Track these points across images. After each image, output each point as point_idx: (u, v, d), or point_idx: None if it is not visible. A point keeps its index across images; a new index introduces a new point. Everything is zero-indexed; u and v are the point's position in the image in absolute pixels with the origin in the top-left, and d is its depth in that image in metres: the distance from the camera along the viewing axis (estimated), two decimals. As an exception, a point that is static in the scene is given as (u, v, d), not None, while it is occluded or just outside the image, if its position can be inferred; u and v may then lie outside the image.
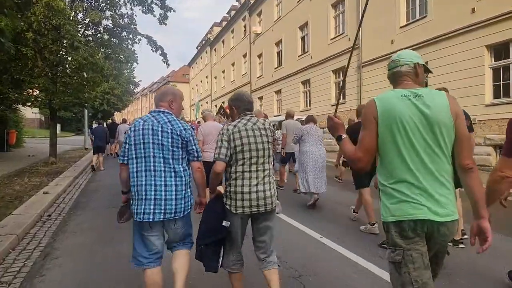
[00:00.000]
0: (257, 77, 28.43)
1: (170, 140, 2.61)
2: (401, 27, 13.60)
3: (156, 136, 2.60)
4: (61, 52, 11.52)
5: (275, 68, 25.03)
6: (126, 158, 2.65)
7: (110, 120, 17.91)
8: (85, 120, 20.45)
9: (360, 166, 1.85)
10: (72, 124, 50.62)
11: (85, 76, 12.71)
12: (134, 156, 2.61)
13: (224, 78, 38.11)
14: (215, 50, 41.40)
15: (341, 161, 7.25)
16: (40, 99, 12.52)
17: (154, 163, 2.58)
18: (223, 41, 38.17)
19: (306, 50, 20.98)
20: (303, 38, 21.53)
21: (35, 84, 11.48)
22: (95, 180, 10.05)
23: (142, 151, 2.59)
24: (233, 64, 34.85)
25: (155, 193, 2.56)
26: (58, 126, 43.40)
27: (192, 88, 53.74)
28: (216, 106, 38.01)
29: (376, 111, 1.79)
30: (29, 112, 35.83)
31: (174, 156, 2.62)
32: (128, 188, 2.71)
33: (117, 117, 52.84)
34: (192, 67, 54.43)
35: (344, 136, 2.00)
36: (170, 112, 2.73)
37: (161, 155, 2.59)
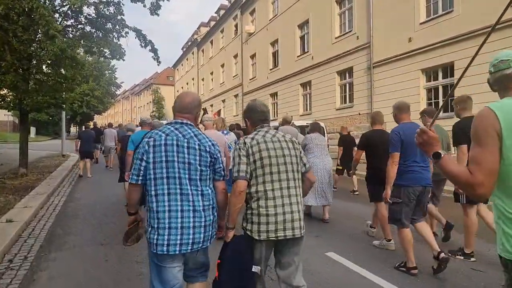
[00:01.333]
0: (250, 79, 26.91)
1: (198, 157, 2.23)
2: (421, 23, 12.34)
3: (181, 154, 2.21)
4: (34, 44, 9.66)
5: (270, 70, 23.58)
6: (141, 178, 2.20)
7: (90, 123, 15.90)
8: (63, 124, 18.40)
9: (481, 192, 1.44)
10: (48, 127, 47.70)
11: (63, 72, 10.87)
12: (153, 177, 2.18)
13: (212, 80, 36.42)
14: (202, 51, 39.70)
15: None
16: (8, 99, 10.57)
17: (180, 185, 2.19)
18: (211, 42, 36.52)
19: (306, 50, 19.61)
20: (302, 38, 20.16)
21: (2, 81, 9.57)
22: (74, 197, 8.25)
23: (164, 170, 2.18)
24: (222, 66, 33.23)
25: (181, 221, 2.17)
26: (33, 130, 40.66)
27: (177, 91, 51.63)
28: (203, 110, 36.28)
29: (499, 124, 1.43)
30: (1, 115, 33.25)
31: (202, 177, 2.25)
32: (137, 210, 2.41)
33: (98, 120, 50.33)
34: (177, 69, 52.49)
35: (443, 153, 1.56)
36: (193, 124, 2.34)
37: (187, 175, 2.20)
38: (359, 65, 15.26)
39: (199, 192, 2.23)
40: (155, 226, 2.17)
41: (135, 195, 2.29)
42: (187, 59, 46.80)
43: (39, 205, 6.87)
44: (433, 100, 12.17)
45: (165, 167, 2.18)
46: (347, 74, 16.47)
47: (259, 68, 25.33)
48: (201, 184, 2.25)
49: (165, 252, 2.15)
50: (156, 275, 2.26)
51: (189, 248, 2.18)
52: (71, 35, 11.35)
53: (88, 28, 11.68)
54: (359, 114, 15.24)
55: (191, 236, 2.18)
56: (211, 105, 35.19)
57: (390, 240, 4.59)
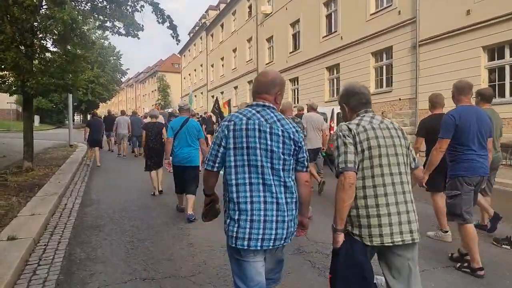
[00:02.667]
0: (266, 64, 25.22)
1: (281, 145, 2.00)
2: (483, -7, 10.65)
3: (263, 140, 1.99)
4: (40, 12, 8.11)
5: (290, 53, 21.89)
6: (217, 165, 2.05)
7: (96, 112, 14.49)
8: (70, 111, 16.93)
9: None
10: (52, 116, 46.21)
11: (71, 50, 9.35)
12: (233, 164, 1.99)
13: (223, 65, 34.72)
14: (211, 35, 37.88)
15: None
16: (9, 81, 9.06)
17: (263, 174, 1.97)
18: (221, 25, 34.69)
19: (333, 30, 17.90)
20: (329, 16, 18.43)
21: (2, 60, 8.06)
22: (91, 198, 6.80)
23: (245, 158, 1.98)
24: (234, 50, 31.49)
25: (264, 214, 1.96)
26: (37, 118, 39.30)
27: (184, 78, 50.12)
28: (212, 97, 34.84)
29: None
30: (4, 103, 31.81)
31: (285, 167, 2.01)
32: (213, 191, 2.27)
33: (103, 108, 48.84)
34: (184, 55, 50.70)
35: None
36: (275, 108, 2.10)
37: (269, 164, 1.98)
38: (400, 44, 13.59)
39: (282, 184, 2.01)
40: (235, 217, 1.99)
41: (211, 182, 2.20)
42: (194, 45, 44.96)
43: (50, 212, 5.43)
44: (496, 82, 10.56)
45: (246, 154, 1.99)
46: (384, 55, 14.80)
47: (277, 51, 23.62)
48: (284, 174, 2.02)
49: (246, 247, 1.96)
50: (238, 272, 2.06)
51: (271, 244, 1.98)
52: (81, 7, 9.77)
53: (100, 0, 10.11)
54: (400, 99, 13.65)
55: (273, 232, 1.97)
56: (222, 92, 33.61)
57: (447, 231, 4.35)
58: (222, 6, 35.36)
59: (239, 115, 2.05)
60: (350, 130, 2.06)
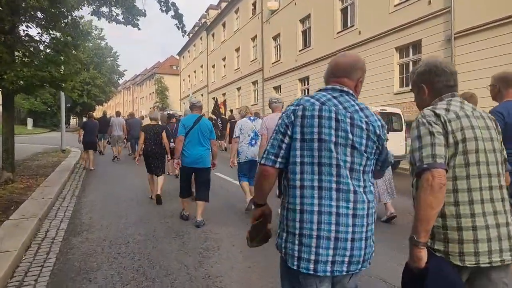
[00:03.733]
0: (272, 63, 23.83)
1: (364, 141, 1.59)
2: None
3: (343, 133, 1.56)
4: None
5: (300, 51, 20.49)
6: (280, 160, 1.61)
7: (92, 113, 13.22)
8: (62, 113, 15.39)
9: None
10: (46, 119, 44.50)
11: (61, 38, 7.89)
12: (298, 160, 1.57)
13: (225, 66, 33.31)
14: (212, 35, 36.49)
15: None
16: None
17: (338, 177, 1.54)
18: (223, 24, 33.31)
19: (350, 24, 16.53)
20: (344, 10, 17.06)
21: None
22: (82, 223, 5.29)
23: (316, 153, 1.55)
24: (237, 50, 30.10)
25: (336, 229, 1.51)
26: (30, 122, 37.71)
27: (183, 80, 48.64)
28: (213, 98, 33.44)
29: None
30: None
31: (366, 168, 1.60)
32: (265, 200, 1.77)
33: (99, 111, 47.23)
34: (183, 57, 49.30)
35: None
36: (355, 95, 1.68)
37: (348, 164, 1.55)
38: (430, 38, 12.22)
39: (362, 190, 1.57)
40: (296, 232, 1.54)
41: (269, 184, 1.66)
42: (194, 45, 43.55)
43: (23, 245, 3.95)
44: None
45: (317, 148, 1.55)
46: (411, 50, 13.42)
47: (285, 50, 22.22)
48: (365, 178, 1.59)
49: (311, 272, 1.51)
50: None
51: (344, 269, 1.52)
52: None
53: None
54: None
55: (347, 253, 1.52)
56: (224, 94, 32.17)
57: None
58: (224, 4, 33.97)
59: (310, 99, 1.64)
60: (438, 116, 1.60)
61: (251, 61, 27.22)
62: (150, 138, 6.60)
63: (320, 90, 1.72)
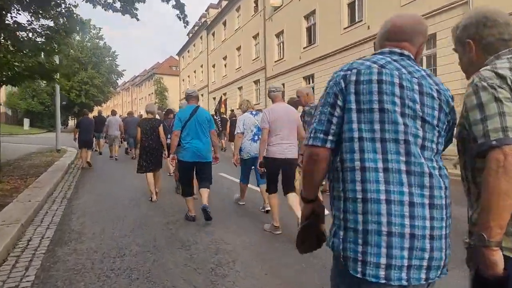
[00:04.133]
0: (275, 61, 23.17)
1: (437, 112, 1.28)
2: None
3: (410, 101, 1.25)
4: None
5: (304, 48, 19.85)
6: (331, 138, 1.28)
7: (83, 112, 12.63)
8: (57, 110, 14.71)
9: None
10: (43, 119, 43.72)
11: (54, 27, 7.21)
12: (356, 136, 1.24)
13: (225, 65, 32.66)
14: (213, 34, 35.83)
15: None
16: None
17: (408, 156, 1.21)
18: (224, 23, 32.66)
19: (357, 19, 15.88)
20: (351, 4, 16.41)
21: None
22: (70, 227, 4.60)
23: (377, 127, 1.22)
24: (238, 48, 29.44)
25: (411, 223, 1.17)
26: (27, 122, 37.05)
27: (183, 80, 47.99)
28: (214, 99, 32.81)
29: None
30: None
31: (438, 146, 1.29)
32: (317, 194, 1.41)
33: (96, 112, 46.51)
34: (183, 57, 48.65)
35: None
36: (416, 61, 1.37)
37: (419, 140, 1.24)
38: (446, 31, 11.56)
39: (437, 172, 1.24)
40: (359, 227, 1.18)
41: (319, 171, 1.31)
42: (194, 45, 42.91)
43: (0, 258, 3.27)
44: None
45: (379, 120, 1.22)
46: (424, 44, 12.75)
47: (288, 47, 21.56)
48: (437, 158, 1.28)
49: (382, 280, 1.14)
50: None
51: (423, 276, 1.17)
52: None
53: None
54: (446, 95, 11.60)
55: (426, 255, 1.17)
56: (224, 94, 31.47)
57: None
58: (224, 3, 33.32)
59: (364, 62, 1.30)
60: (502, 77, 1.22)
61: (253, 60, 26.57)
62: (146, 133, 6.28)
63: (375, 53, 1.37)
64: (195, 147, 4.75)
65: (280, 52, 23.00)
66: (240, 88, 29.18)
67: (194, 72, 42.29)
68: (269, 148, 4.17)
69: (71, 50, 39.93)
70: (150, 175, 6.21)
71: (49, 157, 12.15)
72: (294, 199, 4.19)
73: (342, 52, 16.54)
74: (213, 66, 35.78)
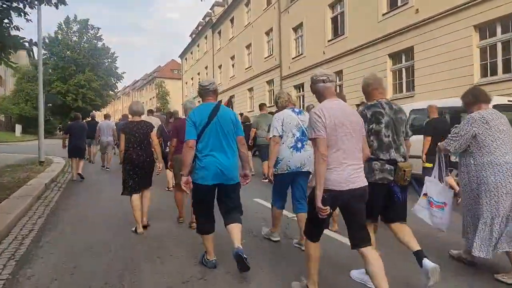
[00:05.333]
0: (293, 58, 20.66)
1: None
2: None
3: None
4: None
5: (329, 41, 17.33)
6: None
7: (75, 116, 10.31)
8: (40, 114, 12.14)
9: None
10: (38, 125, 41.34)
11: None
12: None
13: (233, 65, 30.19)
14: (219, 33, 33.41)
15: None
16: None
17: None
18: (231, 20, 30.24)
19: (400, 3, 13.33)
20: (391, -13, 13.91)
21: None
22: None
23: None
24: (248, 46, 26.98)
25: None
26: (18, 128, 34.48)
27: (186, 83, 45.51)
28: (220, 101, 30.13)
29: None
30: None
31: None
32: None
33: (97, 117, 44.05)
34: (185, 59, 46.24)
35: None
36: None
37: None
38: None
39: None
40: None
41: None
42: (198, 45, 40.52)
43: None
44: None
45: None
46: (487, 31, 10.24)
47: (309, 41, 19.04)
48: None
49: None
50: None
51: None
52: None
53: None
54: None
55: None
56: (232, 96, 28.91)
57: None
58: (230, 0, 30.92)
59: None
60: None
61: (265, 58, 24.06)
62: (134, 141, 4.66)
63: None
64: (218, 164, 3.27)
65: (298, 47, 20.49)
66: (250, 90, 26.66)
67: (198, 74, 39.82)
68: (326, 175, 2.48)
69: (68, 51, 37.84)
70: (136, 197, 4.63)
71: (26, 171, 9.57)
72: (376, 262, 2.49)
73: (380, 43, 14.01)
74: (219, 66, 33.33)
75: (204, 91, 3.45)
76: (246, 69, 27.22)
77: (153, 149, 4.80)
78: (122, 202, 5.37)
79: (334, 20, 17.22)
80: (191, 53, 43.34)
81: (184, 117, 5.04)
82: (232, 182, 3.37)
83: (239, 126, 3.48)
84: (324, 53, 17.52)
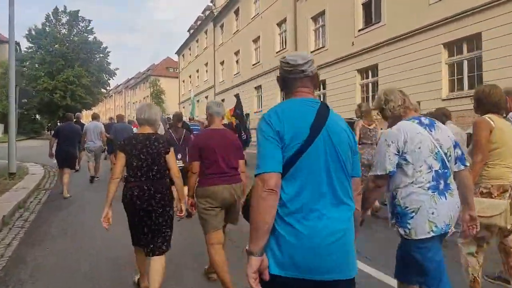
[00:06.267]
0: (311, 52, 18.17)
1: None
2: None
3: None
4: None
5: (360, 31, 14.91)
6: None
7: (66, 116, 8.04)
8: (11, 109, 9.44)
9: None
10: (24, 124, 38.02)
11: None
12: None
13: (238, 62, 27.70)
14: (221, 26, 30.89)
15: None
16: None
17: None
18: (236, 12, 27.74)
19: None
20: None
21: None
22: None
23: None
24: (256, 40, 24.53)
25: None
26: (0, 127, 31.45)
27: (183, 81, 42.95)
28: (223, 101, 27.72)
29: None
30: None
31: None
32: None
33: (87, 118, 41.21)
34: (183, 55, 43.65)
35: None
36: None
37: None
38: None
39: None
40: None
41: None
42: (197, 41, 37.95)
43: None
44: None
45: None
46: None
47: (333, 32, 16.60)
48: None
49: None
50: None
51: None
52: None
53: None
54: None
55: None
56: (236, 95, 26.34)
57: None
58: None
59: None
60: None
61: (276, 52, 21.59)
62: (138, 167, 2.82)
63: None
64: (326, 232, 1.43)
65: (319, 39, 18.06)
66: (258, 88, 24.18)
67: (197, 71, 37.28)
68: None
69: (56, 45, 34.85)
70: (141, 252, 2.94)
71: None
72: None
73: (428, 31, 11.62)
74: (221, 63, 30.80)
75: (294, 74, 1.62)
76: (253, 65, 24.73)
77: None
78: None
79: (367, 5, 14.79)
80: (189, 49, 40.77)
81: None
82: (346, 275, 1.50)
83: (355, 150, 1.62)
84: (353, 44, 15.09)
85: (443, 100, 11.17)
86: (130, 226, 2.91)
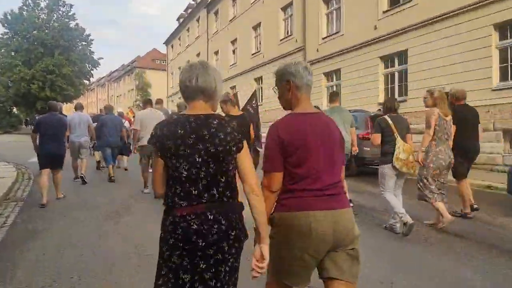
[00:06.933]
0: (323, 38, 16.47)
1: None
2: None
3: None
4: None
5: (385, 12, 13.19)
6: None
7: (48, 105, 6.07)
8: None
9: None
10: (1, 118, 35.10)
11: None
12: None
13: (234, 51, 25.76)
14: (215, 13, 28.82)
15: None
16: None
17: None
18: (233, -3, 25.73)
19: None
20: None
21: None
22: None
23: None
24: (256, 27, 22.63)
25: None
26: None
27: (172, 73, 40.55)
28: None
29: None
30: None
31: None
32: None
33: (67, 111, 38.52)
34: (172, 45, 41.26)
35: None
36: None
37: None
38: None
39: None
40: None
41: None
42: (187, 30, 35.73)
43: None
44: None
45: None
46: None
47: (349, 15, 14.84)
48: None
49: None
50: None
51: None
52: None
53: None
54: None
55: None
56: (233, 87, 24.51)
57: None
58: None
59: None
60: None
61: (281, 40, 19.76)
62: (197, 177, 1.57)
63: None
64: None
65: (331, 24, 16.29)
66: (258, 79, 22.31)
67: (188, 61, 34.92)
68: None
69: (34, 31, 32.07)
70: None
71: None
72: None
73: (472, 12, 10.02)
74: (216, 53, 28.79)
75: None
76: (252, 54, 22.84)
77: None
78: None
79: (393, -16, 13.11)
80: (179, 38, 38.46)
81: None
82: None
83: None
84: (376, 28, 13.38)
85: (493, 90, 9.61)
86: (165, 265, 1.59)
